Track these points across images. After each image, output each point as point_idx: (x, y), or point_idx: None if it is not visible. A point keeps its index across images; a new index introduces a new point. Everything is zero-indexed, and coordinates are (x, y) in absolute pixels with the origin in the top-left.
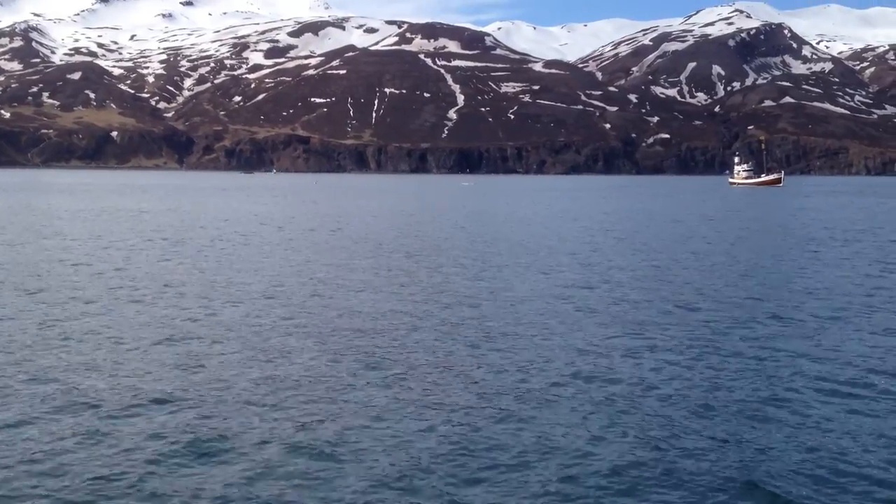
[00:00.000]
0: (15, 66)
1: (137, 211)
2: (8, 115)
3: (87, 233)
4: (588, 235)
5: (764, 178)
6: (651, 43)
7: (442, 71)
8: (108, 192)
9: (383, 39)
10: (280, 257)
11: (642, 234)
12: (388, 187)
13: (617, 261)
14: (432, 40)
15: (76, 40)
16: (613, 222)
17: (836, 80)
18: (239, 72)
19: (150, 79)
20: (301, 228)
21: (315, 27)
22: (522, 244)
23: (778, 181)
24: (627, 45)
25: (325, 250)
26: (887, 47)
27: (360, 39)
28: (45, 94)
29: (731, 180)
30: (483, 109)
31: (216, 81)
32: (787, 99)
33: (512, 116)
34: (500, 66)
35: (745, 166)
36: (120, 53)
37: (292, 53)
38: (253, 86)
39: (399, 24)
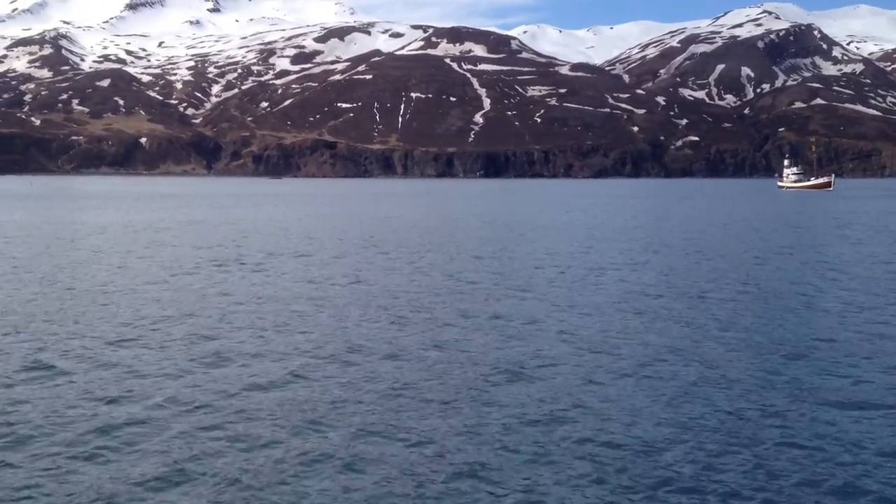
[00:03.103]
0: (45, 73)
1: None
2: (38, 122)
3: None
4: (725, 250)
5: (814, 181)
6: (679, 45)
7: (468, 75)
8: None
9: (409, 44)
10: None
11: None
12: (450, 191)
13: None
14: (458, 44)
15: (105, 48)
16: (728, 234)
17: (868, 81)
18: (266, 78)
19: (179, 85)
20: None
21: (341, 32)
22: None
23: (828, 184)
24: (655, 47)
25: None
26: None
27: (385, 44)
28: (75, 102)
29: (779, 184)
30: (509, 113)
31: (243, 87)
32: (818, 101)
33: (538, 120)
34: (526, 69)
35: (794, 169)
36: (148, 60)
37: (318, 59)
38: (280, 91)
39: (424, 28)
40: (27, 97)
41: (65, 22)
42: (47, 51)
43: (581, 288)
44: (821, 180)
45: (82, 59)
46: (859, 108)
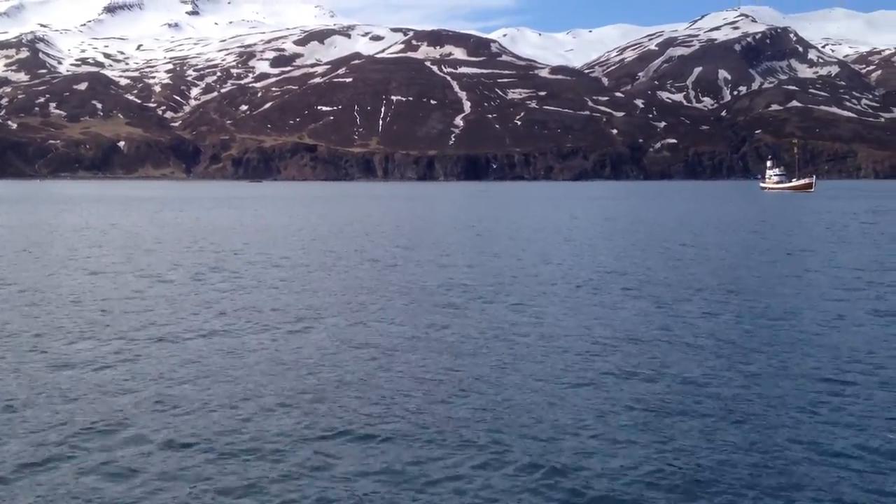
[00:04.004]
0: (22, 76)
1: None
2: (15, 126)
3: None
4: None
5: (795, 182)
6: (657, 48)
7: (448, 78)
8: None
9: (389, 47)
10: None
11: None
12: (455, 195)
13: None
14: (438, 47)
15: (83, 51)
16: (732, 239)
17: (843, 83)
18: (245, 81)
19: (157, 88)
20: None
21: (321, 35)
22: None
23: (809, 186)
24: (633, 50)
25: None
26: (893, 50)
27: (365, 47)
28: (52, 105)
29: (762, 185)
30: (490, 116)
31: (223, 90)
32: (794, 103)
33: (519, 123)
34: (506, 72)
35: (776, 171)
36: (126, 63)
37: (298, 62)
38: (259, 94)
39: (405, 31)
40: (3, 101)
41: (42, 25)
42: (24, 54)
43: (590, 299)
44: (802, 182)
45: (59, 63)
46: (835, 110)
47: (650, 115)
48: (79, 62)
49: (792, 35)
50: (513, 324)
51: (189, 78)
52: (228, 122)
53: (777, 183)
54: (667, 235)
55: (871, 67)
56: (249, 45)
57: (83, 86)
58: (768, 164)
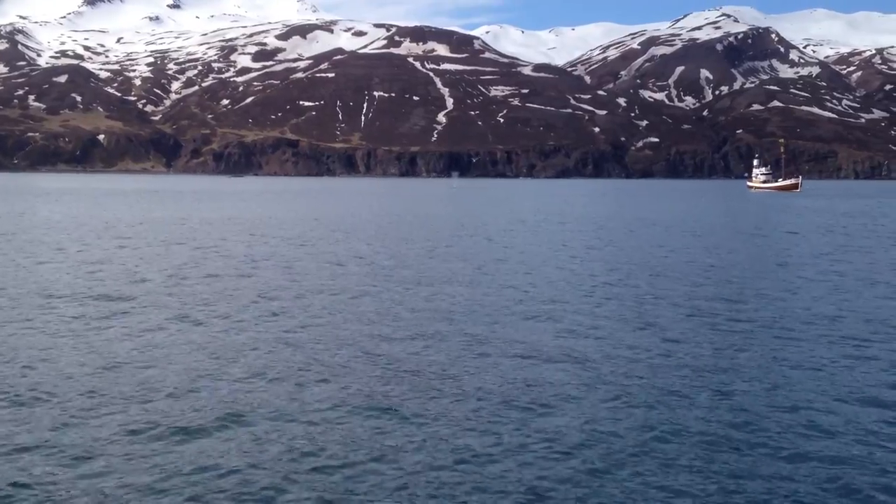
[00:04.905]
0: (0, 68)
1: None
2: None
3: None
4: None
5: (782, 182)
6: (639, 47)
7: (431, 74)
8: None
9: (372, 43)
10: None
11: None
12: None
13: None
14: (421, 43)
15: (62, 43)
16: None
17: (824, 84)
18: (227, 75)
19: (137, 82)
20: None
21: (303, 30)
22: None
23: (796, 186)
24: (616, 49)
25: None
26: (873, 51)
27: (348, 42)
28: (31, 97)
29: (748, 184)
30: (472, 113)
31: (204, 84)
32: (775, 103)
33: (501, 120)
34: (488, 69)
35: (763, 170)
36: (106, 56)
37: (280, 56)
38: (241, 89)
39: (387, 27)
40: None
41: (21, 17)
42: (3, 46)
43: (599, 306)
44: (789, 182)
45: (39, 55)
46: (815, 110)
47: (632, 114)
48: (58, 54)
49: (773, 35)
50: (500, 338)
51: (170, 71)
52: (209, 116)
53: (764, 182)
54: (674, 236)
55: (852, 68)
56: (231, 39)
57: (63, 78)
58: (755, 163)
